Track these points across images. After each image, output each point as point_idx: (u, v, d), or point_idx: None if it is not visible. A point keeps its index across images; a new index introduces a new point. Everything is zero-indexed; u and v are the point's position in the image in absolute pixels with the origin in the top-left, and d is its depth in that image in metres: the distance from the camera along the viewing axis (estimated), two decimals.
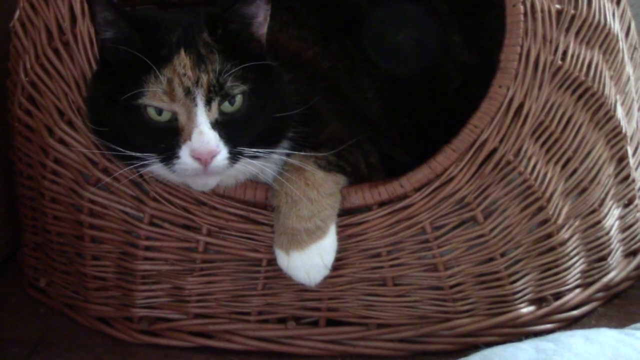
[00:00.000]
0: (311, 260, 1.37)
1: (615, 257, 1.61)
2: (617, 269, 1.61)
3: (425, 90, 1.64)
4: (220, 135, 1.27)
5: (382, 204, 1.42)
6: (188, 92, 1.26)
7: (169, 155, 1.27)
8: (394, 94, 1.61)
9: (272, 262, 1.43)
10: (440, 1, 1.72)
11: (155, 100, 1.26)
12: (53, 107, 1.45)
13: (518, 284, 1.49)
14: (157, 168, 1.31)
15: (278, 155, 1.38)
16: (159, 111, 1.27)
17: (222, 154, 1.27)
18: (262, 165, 1.35)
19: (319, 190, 1.37)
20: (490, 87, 1.40)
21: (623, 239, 1.62)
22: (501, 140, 1.41)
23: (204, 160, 1.26)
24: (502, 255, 1.47)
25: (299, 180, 1.36)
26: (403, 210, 1.42)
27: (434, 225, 1.44)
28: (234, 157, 1.29)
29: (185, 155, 1.26)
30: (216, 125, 1.27)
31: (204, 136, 1.26)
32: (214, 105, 1.27)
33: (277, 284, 1.46)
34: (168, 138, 1.27)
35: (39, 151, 1.50)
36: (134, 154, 1.29)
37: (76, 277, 1.54)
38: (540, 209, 1.46)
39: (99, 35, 1.33)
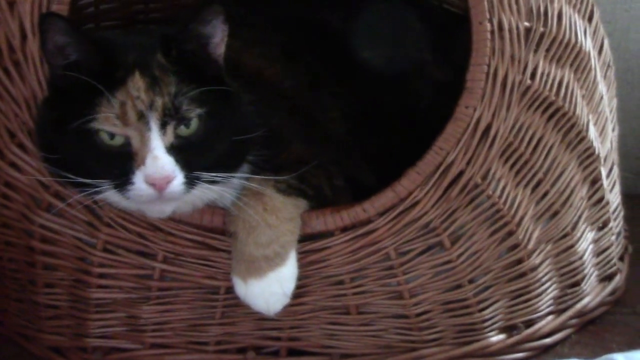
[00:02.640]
0: (270, 289, 1.31)
1: (590, 282, 1.55)
2: (591, 295, 1.56)
3: (394, 109, 1.58)
4: (176, 160, 1.21)
5: (344, 229, 1.37)
6: (141, 116, 1.20)
7: (122, 181, 1.21)
8: (360, 113, 1.56)
9: (231, 289, 1.37)
10: (413, 18, 1.67)
11: (107, 124, 1.21)
12: (3, 128, 1.39)
13: (487, 311, 1.43)
14: (110, 195, 1.25)
15: (237, 179, 1.32)
16: (112, 135, 1.22)
17: (178, 179, 1.21)
18: (221, 190, 1.30)
19: (277, 216, 1.31)
20: (456, 108, 1.34)
21: (597, 263, 1.57)
22: (468, 163, 1.35)
23: (159, 186, 1.20)
24: (470, 281, 1.41)
25: (257, 205, 1.31)
26: (366, 236, 1.37)
27: (398, 251, 1.38)
28: (190, 182, 1.23)
29: (139, 181, 1.21)
30: (172, 149, 1.22)
31: (159, 161, 1.20)
32: (169, 129, 1.22)
33: (236, 312, 1.41)
34: (121, 163, 1.21)
35: None
36: (86, 181, 1.23)
37: (29, 305, 1.48)
38: (510, 233, 1.41)
39: (49, 61, 1.27)
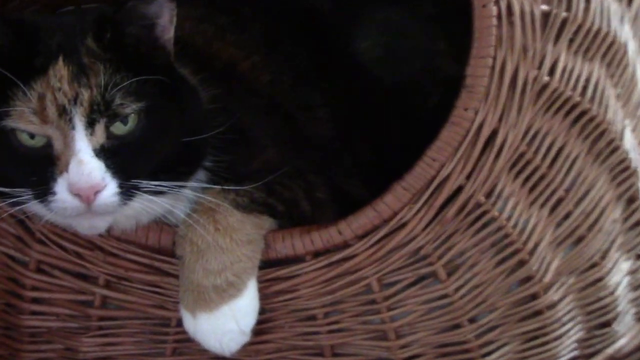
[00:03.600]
0: (223, 325, 1.09)
1: (624, 322, 1.28)
2: (626, 337, 1.28)
3: (392, 109, 1.34)
4: (107, 165, 1.00)
5: (317, 254, 1.14)
6: (63, 112, 0.99)
7: (43, 190, 1.01)
8: (352, 113, 1.32)
9: None
10: (427, 3, 1.42)
11: (23, 122, 1.00)
12: None
13: (493, 356, 1.18)
14: (34, 206, 1.04)
15: (190, 190, 1.10)
16: (31, 135, 1.01)
17: (110, 188, 1.00)
18: (169, 203, 1.08)
19: (232, 237, 1.09)
20: (452, 111, 1.10)
21: (634, 299, 1.30)
22: (468, 177, 1.11)
23: (86, 196, 0.99)
24: (472, 320, 1.16)
25: (208, 223, 1.08)
26: (343, 263, 1.13)
27: (382, 282, 1.14)
28: (126, 192, 1.01)
29: (62, 191, 1.00)
30: (102, 152, 1.00)
31: (84, 166, 0.99)
32: (99, 127, 1.00)
33: (190, 348, 1.18)
34: (42, 169, 1.01)
35: None
36: (1, 189, 1.02)
37: None
38: (522, 263, 1.16)
39: None
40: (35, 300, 1.20)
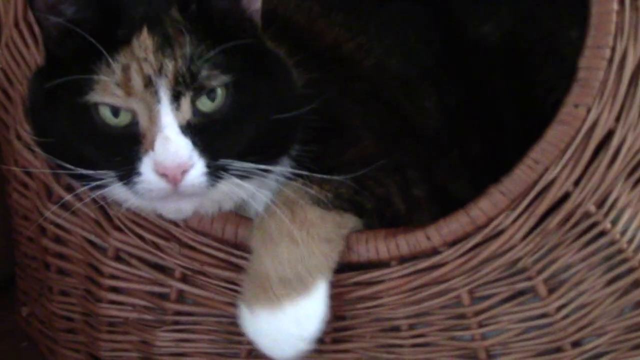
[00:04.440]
0: (283, 326, 0.99)
1: None
2: None
3: (510, 102, 1.22)
4: (195, 143, 0.93)
5: (402, 260, 1.03)
6: (149, 83, 0.93)
7: (128, 171, 0.94)
8: (463, 105, 1.21)
9: None
10: None
11: (107, 94, 0.93)
12: (20, 100, 1.16)
13: None
14: (117, 189, 0.98)
15: (275, 177, 1.02)
16: (115, 112, 0.95)
17: (197, 168, 0.93)
18: (255, 189, 1.00)
19: (309, 231, 0.99)
20: (561, 107, 0.97)
21: None
22: (577, 183, 0.98)
23: (172, 176, 0.92)
24: (575, 345, 1.03)
25: (285, 214, 1.00)
26: (431, 271, 1.03)
27: (474, 295, 1.03)
28: (214, 173, 0.94)
29: (147, 171, 0.93)
30: (189, 129, 0.93)
31: (171, 144, 0.92)
32: (185, 101, 0.93)
33: None
34: (127, 148, 0.94)
35: (9, 156, 1.23)
36: (84, 171, 0.97)
37: (46, 312, 1.26)
38: (637, 283, 1.02)
39: (41, 23, 1.01)
40: (112, 289, 1.15)
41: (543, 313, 1.02)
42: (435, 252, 1.02)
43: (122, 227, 1.11)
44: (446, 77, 1.22)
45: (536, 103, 1.21)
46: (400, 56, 1.21)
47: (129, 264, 1.13)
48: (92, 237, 1.14)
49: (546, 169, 0.97)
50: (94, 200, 1.11)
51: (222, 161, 0.94)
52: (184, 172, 0.92)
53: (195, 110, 0.94)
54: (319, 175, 1.00)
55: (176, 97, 0.93)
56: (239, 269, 1.08)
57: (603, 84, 0.95)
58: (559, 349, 1.03)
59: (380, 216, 1.06)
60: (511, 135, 1.20)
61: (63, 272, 1.20)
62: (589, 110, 0.96)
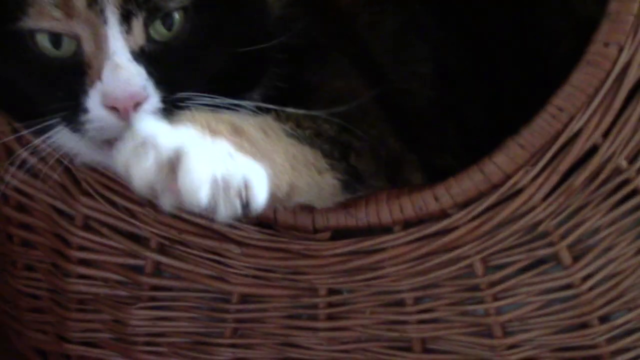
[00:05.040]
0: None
1: None
2: None
3: (513, 62, 1.09)
4: (149, 73, 0.81)
5: (407, 225, 0.91)
6: (93, 2, 0.80)
7: (73, 109, 0.82)
8: (463, 69, 1.08)
9: (247, 299, 0.97)
10: None
11: (43, 18, 0.81)
12: None
13: None
14: (65, 136, 0.86)
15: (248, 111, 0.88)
16: (56, 41, 0.82)
17: (152, 102, 0.81)
18: None
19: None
20: (589, 46, 0.84)
21: None
22: (606, 134, 0.86)
23: (124, 108, 0.80)
24: (603, 320, 0.91)
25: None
26: (440, 237, 0.90)
27: (488, 264, 0.91)
28: (171, 109, 0.82)
29: (95, 106, 0.81)
30: (142, 56, 0.81)
31: (121, 71, 0.80)
32: (137, 24, 0.81)
33: (254, 331, 0.99)
34: (72, 83, 0.82)
35: None
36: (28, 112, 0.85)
37: (10, 290, 1.13)
38: None
39: None
40: (82, 262, 1.03)
41: (567, 284, 0.90)
42: (444, 214, 0.90)
43: (91, 191, 0.99)
44: (445, 37, 1.09)
45: (543, 56, 1.09)
46: (399, 17, 1.09)
47: (99, 234, 1.01)
48: (58, 204, 1.01)
49: (571, 118, 0.85)
50: (59, 162, 0.98)
51: (180, 95, 0.82)
52: (137, 104, 0.80)
53: (149, 37, 0.82)
54: (295, 110, 0.86)
55: (126, 18, 0.80)
56: (222, 237, 0.96)
57: (637, 18, 0.83)
58: (585, 325, 0.91)
59: (374, 156, 0.92)
60: (514, 100, 1.07)
61: (27, 244, 1.07)
62: (621, 50, 0.83)
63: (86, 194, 0.99)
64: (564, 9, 1.10)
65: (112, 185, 0.98)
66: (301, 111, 0.85)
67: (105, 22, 0.80)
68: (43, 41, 0.82)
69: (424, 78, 1.05)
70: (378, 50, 1.04)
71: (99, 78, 0.80)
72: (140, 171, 0.72)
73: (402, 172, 0.95)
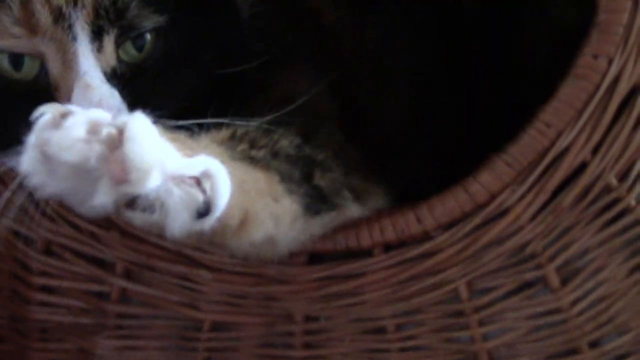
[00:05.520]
0: None
1: None
2: None
3: (488, 70, 1.04)
4: (123, 96, 0.76)
5: (388, 248, 0.86)
6: (60, 16, 0.74)
7: None
8: (443, 90, 1.03)
9: (219, 326, 0.92)
10: None
11: (3, 37, 0.75)
12: None
13: None
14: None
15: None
16: (16, 61, 0.76)
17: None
18: None
19: None
20: (576, 59, 0.80)
21: None
22: (595, 151, 0.82)
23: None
24: (593, 345, 0.87)
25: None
26: (422, 260, 0.86)
27: (473, 288, 0.87)
28: None
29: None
30: (114, 77, 0.76)
31: (93, 92, 0.74)
32: (108, 42, 0.76)
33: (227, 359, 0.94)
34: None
35: None
36: None
37: None
38: None
39: None
40: (43, 289, 0.97)
41: (555, 308, 0.86)
42: (427, 237, 0.85)
43: (53, 214, 0.93)
44: (423, 50, 1.04)
45: (517, 68, 1.04)
46: (380, 28, 1.03)
47: (62, 259, 0.96)
48: (17, 227, 0.96)
49: (559, 134, 0.81)
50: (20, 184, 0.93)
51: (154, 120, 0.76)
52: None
53: (120, 58, 0.77)
54: (246, 123, 0.78)
55: (97, 35, 0.75)
56: (193, 261, 0.91)
57: (627, 29, 0.79)
58: (574, 351, 0.87)
59: (340, 169, 0.85)
60: (490, 115, 1.02)
61: None
62: (610, 62, 0.80)
63: (47, 216, 0.94)
64: (540, 15, 1.05)
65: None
66: (254, 123, 0.78)
67: (74, 38, 0.75)
68: (2, 62, 0.76)
69: (396, 99, 1.00)
70: (356, 63, 0.99)
71: (69, 100, 0.74)
72: (69, 142, 0.61)
73: (367, 199, 0.88)
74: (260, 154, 0.78)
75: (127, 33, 0.76)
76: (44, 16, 0.74)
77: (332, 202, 0.83)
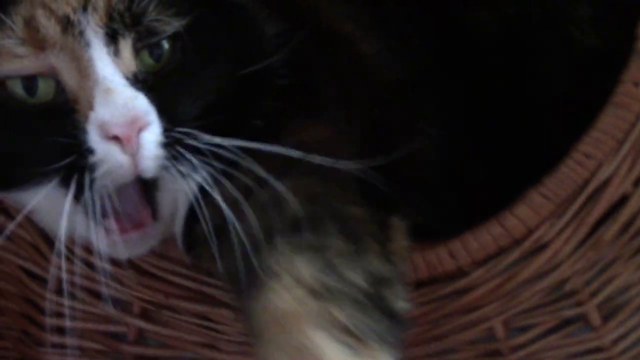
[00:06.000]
0: None
1: None
2: None
3: (510, 101, 1.00)
4: (149, 99, 0.70)
5: (419, 285, 0.83)
6: (68, 25, 0.70)
7: (76, 157, 0.70)
8: (463, 118, 0.99)
9: None
10: None
11: (9, 60, 0.70)
12: None
13: None
14: (52, 198, 0.73)
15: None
16: (30, 86, 0.71)
17: (155, 130, 0.70)
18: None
19: None
20: (616, 87, 0.77)
21: None
22: (637, 183, 0.79)
23: (126, 136, 0.68)
24: None
25: None
26: (456, 298, 0.83)
27: (510, 327, 0.84)
28: (173, 145, 0.71)
29: (97, 141, 0.69)
30: (137, 82, 0.71)
31: (117, 95, 0.69)
32: (125, 46, 0.71)
33: None
34: (63, 132, 0.70)
35: None
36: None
37: None
38: None
39: None
40: (56, 330, 0.94)
41: (596, 346, 0.84)
42: (461, 273, 0.82)
43: (67, 252, 0.90)
44: (451, 87, 1.00)
45: (540, 93, 1.01)
46: (397, 55, 1.00)
47: (75, 298, 0.91)
48: (28, 265, 0.93)
49: (599, 165, 0.78)
50: (29, 221, 0.90)
51: (180, 130, 0.71)
52: (140, 130, 0.69)
53: (140, 63, 0.72)
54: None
55: (112, 38, 0.70)
56: (213, 300, 0.87)
57: None
58: None
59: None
60: (513, 142, 0.98)
61: None
62: None
63: (60, 254, 0.90)
64: (562, 40, 1.03)
65: (88, 245, 0.89)
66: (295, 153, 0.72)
67: (87, 44, 0.70)
68: (15, 88, 0.71)
69: (427, 136, 0.96)
70: (377, 105, 0.95)
71: (91, 108, 0.69)
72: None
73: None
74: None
75: (145, 38, 0.72)
76: (50, 29, 0.70)
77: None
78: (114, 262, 0.89)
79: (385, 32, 0.98)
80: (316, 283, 0.67)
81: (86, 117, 0.69)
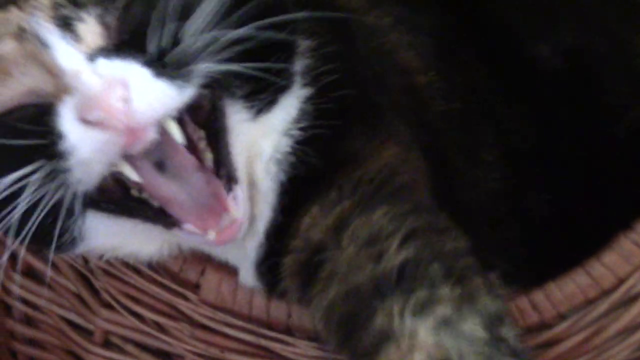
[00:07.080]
0: None
1: None
2: None
3: (577, 138, 0.95)
4: (123, 53, 0.67)
5: None
6: (23, 31, 0.67)
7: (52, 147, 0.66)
8: (528, 153, 0.94)
9: None
10: None
11: None
12: None
13: None
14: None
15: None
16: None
17: (136, 74, 0.65)
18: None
19: None
20: None
21: None
22: None
23: (110, 108, 0.64)
24: None
25: None
26: (540, 353, 0.77)
27: None
28: (172, 70, 0.66)
29: (71, 125, 0.65)
30: (104, 50, 0.67)
31: (84, 74, 0.65)
32: (85, 29, 0.67)
33: None
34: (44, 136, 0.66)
35: None
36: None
37: None
38: None
39: None
40: None
41: None
42: (544, 326, 0.76)
43: (113, 302, 0.84)
44: (510, 116, 0.95)
45: (606, 132, 0.95)
46: (464, 92, 0.94)
47: (122, 351, 0.87)
48: (73, 317, 0.88)
49: None
50: (72, 267, 0.84)
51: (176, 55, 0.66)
52: (121, 96, 0.64)
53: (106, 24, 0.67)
54: None
55: (66, 25, 0.67)
56: (272, 354, 0.81)
57: None
58: None
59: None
60: (581, 180, 0.93)
61: None
62: None
63: (107, 305, 0.85)
64: (627, 74, 0.97)
65: (137, 295, 0.84)
66: None
67: (44, 44, 0.66)
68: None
69: (489, 167, 0.90)
70: (444, 141, 0.89)
71: (68, 92, 0.65)
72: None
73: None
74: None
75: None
76: (7, 45, 0.68)
77: None
78: (165, 312, 0.84)
79: (447, 64, 0.94)
80: (434, 348, 0.61)
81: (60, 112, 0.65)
